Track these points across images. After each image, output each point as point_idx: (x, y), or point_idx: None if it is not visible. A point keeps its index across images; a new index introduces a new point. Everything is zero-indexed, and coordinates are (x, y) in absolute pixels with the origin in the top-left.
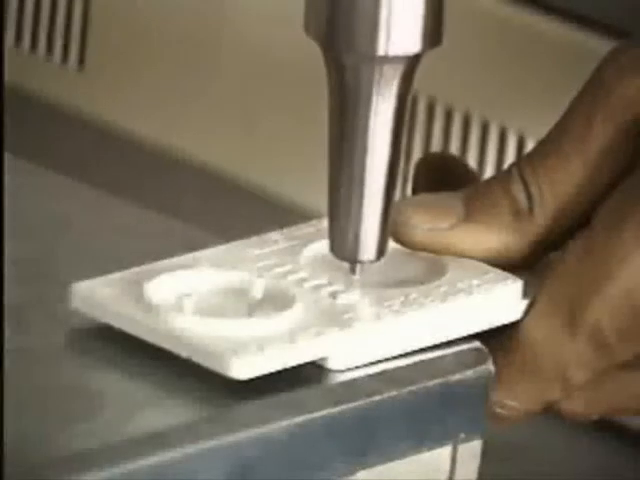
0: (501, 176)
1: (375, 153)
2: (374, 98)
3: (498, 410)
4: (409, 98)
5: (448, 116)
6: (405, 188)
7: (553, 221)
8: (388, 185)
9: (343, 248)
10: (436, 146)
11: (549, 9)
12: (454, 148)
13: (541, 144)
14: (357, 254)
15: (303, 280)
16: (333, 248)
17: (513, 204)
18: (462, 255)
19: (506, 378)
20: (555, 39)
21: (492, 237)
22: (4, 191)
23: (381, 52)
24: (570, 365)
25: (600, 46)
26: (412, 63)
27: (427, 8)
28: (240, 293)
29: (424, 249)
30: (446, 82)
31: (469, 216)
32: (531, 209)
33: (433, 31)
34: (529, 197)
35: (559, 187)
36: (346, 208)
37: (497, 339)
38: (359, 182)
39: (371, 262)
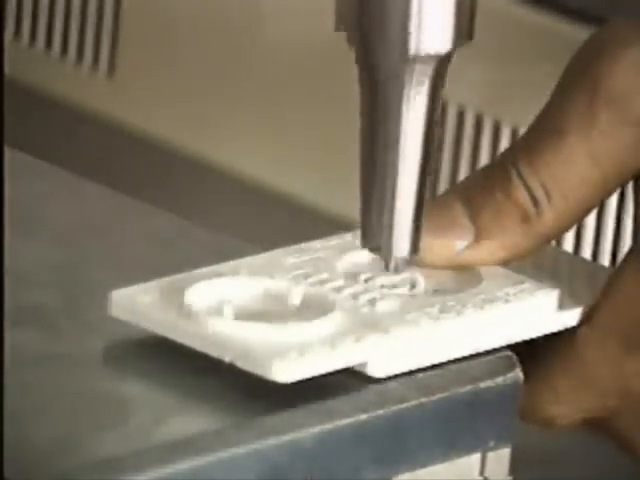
0: (500, 179)
1: (407, 151)
2: (405, 97)
3: (544, 416)
4: (441, 97)
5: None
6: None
7: (564, 219)
8: (421, 182)
9: (376, 241)
10: None
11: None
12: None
13: (534, 136)
14: (390, 249)
15: (340, 288)
16: (365, 243)
17: (519, 211)
18: (479, 266)
19: (561, 386)
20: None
21: (505, 248)
22: (4, 191)
23: (412, 51)
24: (631, 378)
25: None
26: (444, 62)
27: (459, 5)
28: (279, 300)
29: (443, 268)
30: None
31: (480, 233)
32: (539, 213)
33: (464, 28)
34: (535, 202)
35: (565, 184)
36: (379, 205)
37: (547, 346)
38: (392, 178)
39: (404, 259)
